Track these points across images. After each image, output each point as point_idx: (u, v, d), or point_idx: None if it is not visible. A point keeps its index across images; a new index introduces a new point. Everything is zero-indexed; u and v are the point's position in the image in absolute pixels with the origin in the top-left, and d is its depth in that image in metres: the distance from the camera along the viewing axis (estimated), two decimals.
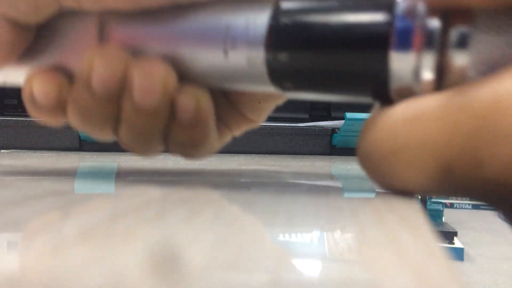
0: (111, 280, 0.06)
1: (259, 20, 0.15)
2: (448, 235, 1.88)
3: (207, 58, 0.16)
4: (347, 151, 0.41)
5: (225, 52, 0.15)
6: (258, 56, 0.15)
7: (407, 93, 0.13)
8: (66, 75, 0.18)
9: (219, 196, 0.14)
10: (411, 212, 0.11)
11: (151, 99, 0.16)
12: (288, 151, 0.41)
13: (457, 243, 1.87)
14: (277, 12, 0.14)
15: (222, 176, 0.20)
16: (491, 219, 2.62)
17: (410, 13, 0.13)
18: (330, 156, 0.40)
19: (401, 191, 0.13)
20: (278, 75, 0.15)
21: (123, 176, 0.19)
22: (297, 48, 0.14)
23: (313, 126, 0.42)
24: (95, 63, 0.17)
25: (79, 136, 0.40)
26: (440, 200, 2.69)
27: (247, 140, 0.44)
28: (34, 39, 0.18)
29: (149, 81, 0.16)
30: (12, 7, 0.17)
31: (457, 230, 1.99)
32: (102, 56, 0.17)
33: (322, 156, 0.38)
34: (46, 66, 0.18)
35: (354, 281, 0.06)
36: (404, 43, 0.13)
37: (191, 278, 0.06)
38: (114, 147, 0.22)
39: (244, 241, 0.08)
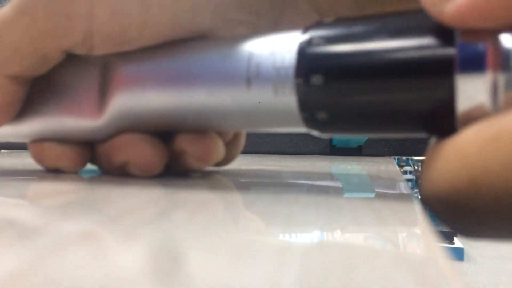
0: (111, 281, 0.06)
1: (286, 45, 0.13)
2: (448, 235, 1.88)
3: (226, 93, 0.14)
4: (347, 151, 0.41)
5: (248, 83, 0.13)
6: (286, 84, 0.13)
7: (476, 117, 0.11)
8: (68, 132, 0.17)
9: (219, 196, 0.14)
10: (411, 212, 0.11)
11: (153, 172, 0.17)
12: (288, 151, 0.41)
13: (457, 243, 1.87)
14: (308, 34, 0.13)
15: (222, 176, 0.20)
16: None
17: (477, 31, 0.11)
18: (330, 156, 0.40)
19: (490, 236, 0.11)
20: (311, 103, 0.13)
21: (121, 176, 0.19)
22: (332, 71, 0.12)
23: None
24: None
25: None
26: None
27: (247, 140, 0.44)
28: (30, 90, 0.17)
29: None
30: (17, 64, 0.16)
31: None
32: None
33: (322, 156, 0.38)
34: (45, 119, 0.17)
35: (354, 281, 0.06)
36: (475, 64, 0.11)
37: (191, 278, 0.06)
38: None
39: (244, 241, 0.08)
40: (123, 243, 0.08)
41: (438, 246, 0.08)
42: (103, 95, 0.16)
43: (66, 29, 0.16)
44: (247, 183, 0.17)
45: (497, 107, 0.11)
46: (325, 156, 0.39)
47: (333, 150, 0.41)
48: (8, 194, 0.13)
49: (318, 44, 0.13)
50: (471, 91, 0.11)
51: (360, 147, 0.44)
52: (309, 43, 0.13)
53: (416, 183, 2.51)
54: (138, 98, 0.15)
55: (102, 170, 0.19)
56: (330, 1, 0.18)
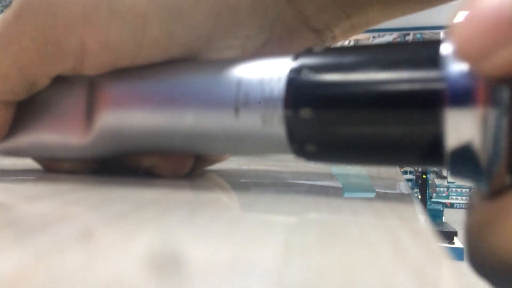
0: (111, 281, 0.06)
1: (276, 74, 0.13)
2: (449, 235, 1.88)
3: (214, 119, 0.14)
4: None
5: (236, 111, 0.13)
6: (274, 114, 0.13)
7: (465, 152, 0.11)
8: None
9: (219, 196, 0.14)
10: (411, 212, 0.11)
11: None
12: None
13: (457, 243, 1.87)
14: (298, 64, 0.13)
15: (222, 176, 0.20)
16: None
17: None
18: None
19: None
20: (300, 135, 0.13)
21: (122, 176, 0.19)
22: (322, 104, 0.12)
23: None
24: None
25: None
26: (440, 200, 2.69)
27: None
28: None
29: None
30: (5, 92, 0.16)
31: (457, 230, 1.99)
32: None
33: None
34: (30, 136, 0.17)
35: (355, 281, 0.06)
36: (465, 99, 0.11)
37: (191, 278, 0.06)
38: None
39: (244, 241, 0.08)
40: (123, 243, 0.08)
41: (439, 246, 0.08)
42: (89, 113, 0.16)
43: (56, 56, 0.15)
44: (247, 183, 0.17)
45: (487, 143, 0.10)
46: None
47: None
48: (8, 194, 0.13)
49: (308, 76, 0.12)
50: (460, 125, 0.11)
51: None
52: (298, 73, 0.12)
53: (416, 183, 2.51)
54: (125, 118, 0.15)
55: (124, 170, 0.18)
56: (317, 12, 0.18)
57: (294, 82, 0.12)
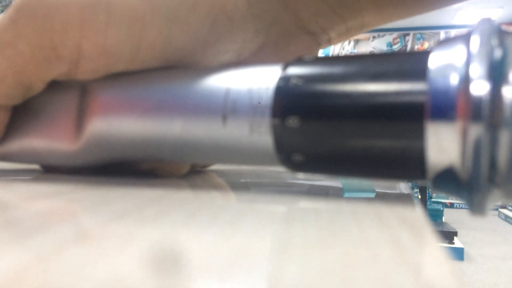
0: (111, 281, 0.06)
1: (264, 82, 0.13)
2: (448, 235, 1.88)
3: (202, 127, 0.13)
4: None
5: (224, 119, 0.13)
6: (262, 123, 0.13)
7: (446, 166, 0.11)
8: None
9: (219, 196, 0.14)
10: (411, 212, 0.11)
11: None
12: None
13: (457, 243, 1.87)
14: (286, 75, 0.13)
15: (222, 176, 0.20)
16: (491, 219, 2.62)
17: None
18: None
19: None
20: (287, 144, 0.12)
21: (121, 176, 0.19)
22: (309, 113, 0.12)
23: None
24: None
25: None
26: (440, 200, 2.69)
27: None
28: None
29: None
30: (2, 96, 0.16)
31: (457, 230, 1.99)
32: None
33: None
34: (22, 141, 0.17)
35: (354, 281, 0.06)
36: (446, 113, 0.10)
37: (191, 278, 0.06)
38: None
39: (244, 241, 0.08)
40: (123, 243, 0.08)
41: (438, 246, 0.08)
42: (80, 120, 0.16)
43: (52, 60, 0.15)
44: (247, 183, 0.17)
45: (467, 157, 0.10)
46: None
47: None
48: (8, 194, 0.13)
49: (296, 85, 0.12)
50: (441, 139, 0.11)
51: None
52: (286, 82, 0.12)
53: (416, 183, 2.50)
54: (114, 124, 0.15)
55: (126, 171, 0.18)
56: (313, 16, 0.18)
57: (282, 91, 0.12)
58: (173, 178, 0.17)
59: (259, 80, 0.13)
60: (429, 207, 2.32)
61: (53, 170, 0.18)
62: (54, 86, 0.17)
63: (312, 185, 0.17)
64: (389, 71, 0.12)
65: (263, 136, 0.13)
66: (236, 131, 0.13)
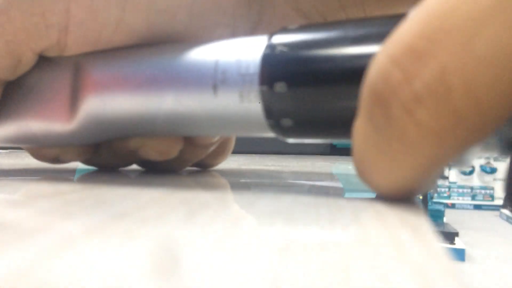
0: (110, 281, 0.06)
1: (252, 52, 0.13)
2: (450, 236, 1.88)
3: (193, 98, 0.14)
4: (348, 151, 0.41)
5: (215, 89, 0.13)
6: (251, 90, 0.13)
7: None
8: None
9: (219, 196, 0.14)
10: (412, 213, 0.11)
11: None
12: (288, 151, 0.41)
13: (459, 243, 1.87)
14: (271, 44, 0.13)
15: (222, 176, 0.19)
16: (492, 219, 2.62)
17: None
18: (331, 156, 0.40)
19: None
20: (275, 110, 0.13)
21: (121, 176, 0.19)
22: (295, 79, 0.12)
23: None
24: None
25: None
26: (441, 201, 2.68)
27: (247, 140, 0.44)
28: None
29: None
30: None
31: (458, 230, 1.99)
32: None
33: (322, 156, 0.38)
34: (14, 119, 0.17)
35: (355, 282, 0.06)
36: None
37: (191, 278, 0.06)
38: None
39: (243, 241, 0.08)
40: (123, 243, 0.08)
41: (439, 247, 0.08)
42: (74, 98, 0.16)
43: (41, 28, 0.15)
44: (247, 183, 0.17)
45: None
46: (325, 156, 0.39)
47: (334, 150, 0.41)
48: (7, 194, 0.13)
49: (282, 52, 0.13)
50: None
51: None
52: (272, 50, 0.13)
53: None
54: (108, 101, 0.15)
55: (114, 154, 0.18)
56: (312, 1, 0.18)
57: (269, 58, 0.13)
58: (172, 178, 0.17)
59: (247, 50, 0.13)
60: (430, 207, 2.32)
61: (40, 158, 0.18)
62: (47, 65, 0.16)
63: (312, 185, 0.17)
64: (371, 34, 0.12)
65: (252, 104, 0.13)
66: (227, 100, 0.14)
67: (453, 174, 3.55)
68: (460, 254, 1.76)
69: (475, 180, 3.48)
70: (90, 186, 0.15)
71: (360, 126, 0.11)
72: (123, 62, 0.15)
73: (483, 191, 3.36)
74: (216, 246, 0.08)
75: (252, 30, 0.18)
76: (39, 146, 0.18)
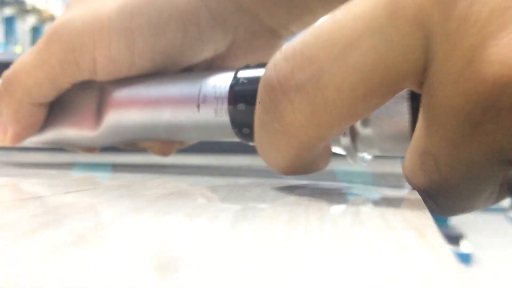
0: (111, 281, 0.06)
1: (223, 82, 0.19)
2: (456, 238, 1.87)
3: (183, 114, 0.20)
4: None
5: (198, 107, 0.20)
6: (222, 108, 0.19)
7: None
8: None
9: (219, 196, 0.14)
10: (416, 214, 0.11)
11: None
12: None
13: (465, 246, 1.86)
14: (236, 76, 0.19)
15: (222, 177, 0.19)
16: (499, 221, 2.61)
17: None
18: (333, 156, 0.39)
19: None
20: (238, 122, 0.19)
21: (121, 176, 0.19)
22: (250, 101, 0.18)
23: None
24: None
25: None
26: None
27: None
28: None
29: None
30: (38, 96, 0.22)
31: (464, 233, 1.98)
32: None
33: None
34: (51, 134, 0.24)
35: (358, 284, 0.06)
36: None
37: (191, 278, 0.06)
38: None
39: (243, 241, 0.08)
40: (122, 243, 0.08)
41: (445, 249, 0.08)
42: (99, 113, 0.22)
43: (75, 73, 0.21)
44: (247, 183, 0.17)
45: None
46: None
47: None
48: (7, 195, 0.13)
49: (242, 83, 0.19)
50: None
51: None
52: (237, 81, 0.19)
53: None
54: (124, 116, 0.21)
55: (122, 147, 0.25)
56: (269, 17, 0.23)
57: (234, 87, 0.19)
58: (177, 178, 0.17)
59: (220, 81, 0.19)
60: None
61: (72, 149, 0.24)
62: (79, 88, 0.23)
63: (314, 186, 0.17)
64: None
65: (223, 117, 0.19)
66: (206, 115, 0.19)
67: None
68: (466, 257, 1.76)
69: None
70: (90, 186, 0.14)
71: (257, 111, 0.14)
72: (135, 87, 0.21)
73: None
74: (216, 247, 0.08)
75: (231, 46, 0.23)
76: (72, 147, 0.25)
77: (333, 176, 0.21)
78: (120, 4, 0.20)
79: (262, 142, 0.14)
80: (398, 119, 0.15)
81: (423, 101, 0.12)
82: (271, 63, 0.13)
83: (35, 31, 2.39)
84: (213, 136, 0.20)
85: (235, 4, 0.22)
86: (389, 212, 0.11)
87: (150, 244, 0.08)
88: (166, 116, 0.20)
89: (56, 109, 0.23)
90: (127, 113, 0.21)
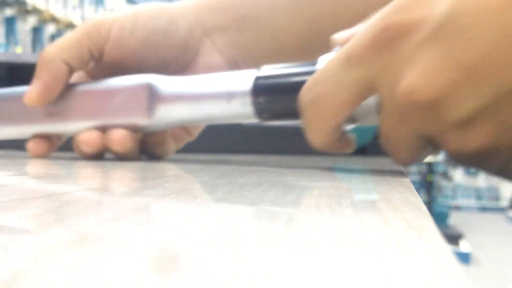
0: (111, 281, 0.06)
1: (248, 80, 0.26)
2: (455, 238, 1.87)
3: (219, 105, 0.27)
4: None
5: (229, 101, 0.26)
6: (247, 101, 0.26)
7: None
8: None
9: (219, 196, 0.14)
10: (416, 214, 0.11)
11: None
12: (289, 151, 0.41)
13: (464, 245, 1.86)
14: (258, 75, 0.26)
15: (222, 177, 0.19)
16: (498, 221, 2.61)
17: None
18: (333, 156, 0.40)
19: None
20: (260, 110, 0.26)
21: (120, 177, 0.19)
22: (269, 94, 0.25)
23: None
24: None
25: None
26: (446, 202, 2.68)
27: (248, 140, 0.44)
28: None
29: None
30: (70, 54, 0.29)
31: (464, 232, 1.98)
32: None
33: (325, 156, 0.38)
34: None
35: (358, 284, 0.06)
36: None
37: (191, 278, 0.06)
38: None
39: (244, 242, 0.08)
40: (122, 244, 0.08)
41: (444, 249, 0.08)
42: (151, 107, 0.29)
43: (96, 36, 0.30)
44: (247, 183, 0.17)
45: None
46: (328, 156, 0.38)
47: None
48: (6, 195, 0.13)
49: (264, 80, 0.26)
50: None
51: (364, 147, 0.44)
52: (258, 79, 0.26)
53: (421, 184, 2.51)
54: (173, 109, 0.28)
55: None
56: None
57: (256, 84, 0.26)
58: (176, 178, 0.17)
59: (246, 78, 0.26)
60: (435, 209, 2.32)
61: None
62: (132, 89, 0.30)
63: (314, 186, 0.17)
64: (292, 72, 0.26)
65: (248, 107, 0.26)
66: (235, 106, 0.26)
67: (458, 175, 3.55)
68: (465, 256, 1.76)
69: (480, 181, 3.48)
70: (89, 187, 0.14)
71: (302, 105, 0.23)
72: (181, 85, 0.28)
73: (487, 193, 3.37)
74: (216, 247, 0.08)
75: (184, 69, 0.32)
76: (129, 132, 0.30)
77: (333, 176, 0.21)
78: (134, 12, 0.30)
79: (307, 127, 0.23)
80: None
81: (380, 99, 0.21)
82: (304, 88, 0.22)
83: (36, 32, 2.39)
84: (239, 120, 0.28)
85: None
86: (389, 212, 0.11)
87: (150, 244, 0.08)
88: (205, 108, 0.27)
89: (111, 105, 0.30)
90: (174, 107, 0.28)
